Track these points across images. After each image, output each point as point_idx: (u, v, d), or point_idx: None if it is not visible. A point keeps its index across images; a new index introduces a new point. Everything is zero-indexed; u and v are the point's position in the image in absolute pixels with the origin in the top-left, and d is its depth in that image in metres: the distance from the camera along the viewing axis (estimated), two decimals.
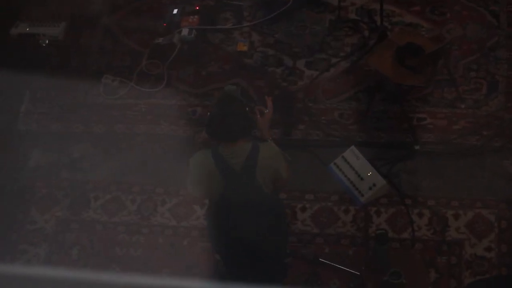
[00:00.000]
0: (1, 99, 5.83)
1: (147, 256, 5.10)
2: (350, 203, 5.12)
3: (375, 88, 5.65)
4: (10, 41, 6.13)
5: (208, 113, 4.23)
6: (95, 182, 5.46)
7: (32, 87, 5.95)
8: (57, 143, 5.67)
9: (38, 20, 6.24)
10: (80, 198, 5.40)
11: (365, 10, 6.16)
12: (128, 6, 6.47)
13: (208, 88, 5.87)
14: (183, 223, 5.22)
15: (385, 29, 5.86)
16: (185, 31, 6.03)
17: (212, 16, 6.21)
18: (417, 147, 5.35)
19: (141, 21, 6.31)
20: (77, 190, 5.43)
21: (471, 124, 5.46)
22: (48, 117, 5.83)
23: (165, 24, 6.12)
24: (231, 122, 4.10)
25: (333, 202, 5.19)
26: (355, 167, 5.03)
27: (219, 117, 4.13)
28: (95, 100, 5.90)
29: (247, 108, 4.24)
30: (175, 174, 5.37)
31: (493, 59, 5.74)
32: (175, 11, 6.18)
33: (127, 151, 5.60)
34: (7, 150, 5.63)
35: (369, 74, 5.74)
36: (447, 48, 5.73)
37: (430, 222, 5.03)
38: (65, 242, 5.24)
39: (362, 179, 4.97)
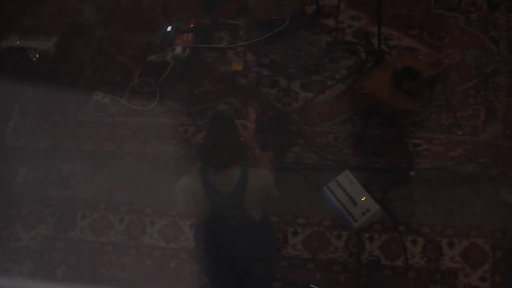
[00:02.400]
0: None
1: (134, 278, 5.15)
2: (342, 228, 5.17)
3: (371, 112, 5.73)
4: (1, 55, 6.20)
5: (202, 141, 4.31)
6: (83, 200, 5.52)
7: (21, 102, 6.02)
8: (45, 159, 5.73)
9: (29, 33, 6.30)
10: (67, 216, 5.45)
11: (363, 32, 6.23)
12: (122, 21, 6.54)
13: (201, 107, 5.94)
14: (171, 244, 5.27)
15: (382, 52, 5.92)
16: (178, 49, 6.10)
17: (207, 35, 6.28)
18: (412, 173, 5.41)
19: (135, 38, 6.39)
20: (64, 208, 5.48)
21: (468, 151, 5.51)
22: (37, 133, 5.89)
23: (158, 41, 6.18)
24: (224, 150, 4.19)
25: (325, 227, 5.24)
26: (348, 191, 5.11)
27: (213, 143, 4.21)
28: (85, 116, 5.96)
29: (239, 135, 4.31)
30: (164, 195, 5.41)
31: (492, 86, 5.81)
32: (169, 28, 6.25)
33: (117, 170, 5.65)
34: None
35: (365, 97, 5.82)
36: (445, 73, 5.78)
37: (424, 250, 5.09)
38: (50, 261, 5.28)
39: (355, 204, 5.05)
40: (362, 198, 5.06)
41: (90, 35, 6.44)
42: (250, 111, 4.62)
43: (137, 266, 5.21)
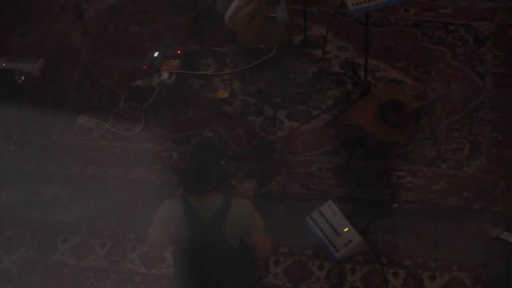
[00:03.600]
0: None
1: None
2: (324, 258, 5.23)
3: (356, 143, 5.81)
4: None
5: (182, 165, 4.39)
6: (65, 224, 5.56)
7: (5, 124, 6.07)
8: (28, 182, 5.77)
9: (16, 56, 6.34)
10: (49, 239, 5.49)
11: (349, 63, 6.34)
12: (109, 46, 6.64)
13: (185, 134, 6.02)
14: (153, 271, 5.31)
15: (368, 84, 6.04)
16: (165, 75, 6.17)
17: (193, 61, 6.37)
18: (395, 205, 5.50)
19: (121, 63, 6.47)
20: (46, 231, 5.52)
21: (451, 184, 5.60)
22: (21, 155, 5.94)
23: (145, 67, 6.26)
24: (205, 175, 4.27)
25: (307, 257, 5.31)
26: (331, 222, 5.16)
27: (194, 168, 4.31)
28: (69, 140, 6.03)
29: (222, 162, 4.40)
30: (147, 220, 5.44)
31: (477, 120, 5.91)
32: (156, 54, 6.33)
33: (100, 194, 5.70)
34: None
35: (350, 128, 5.90)
36: (431, 106, 5.83)
37: (405, 282, 5.15)
38: (30, 284, 5.30)
39: (338, 234, 5.11)
40: (345, 229, 5.11)
41: (76, 59, 6.53)
42: None
43: None
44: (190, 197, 4.32)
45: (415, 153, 5.78)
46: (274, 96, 6.20)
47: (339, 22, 6.50)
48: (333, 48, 6.44)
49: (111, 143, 6.02)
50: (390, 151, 5.78)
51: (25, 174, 5.86)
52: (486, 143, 5.81)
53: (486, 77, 6.18)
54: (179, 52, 6.39)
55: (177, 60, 6.29)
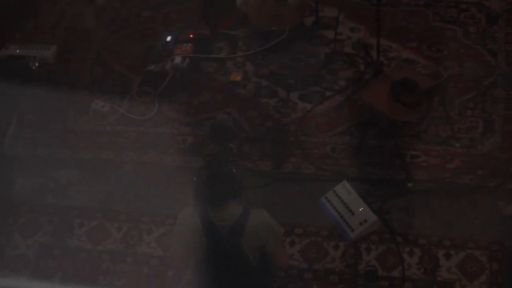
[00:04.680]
0: None
1: (131, 286, 5.16)
2: (340, 238, 5.19)
3: (369, 123, 5.77)
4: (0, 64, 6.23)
5: (194, 178, 4.30)
6: (81, 209, 5.53)
7: (20, 111, 6.07)
8: (43, 168, 5.75)
9: (29, 42, 6.35)
10: (65, 224, 5.46)
11: (362, 44, 6.30)
12: (122, 31, 6.61)
13: (199, 117, 5.98)
14: (169, 254, 5.27)
15: (381, 64, 6.00)
16: (178, 59, 6.15)
17: (206, 45, 6.34)
18: (409, 185, 5.44)
19: (134, 47, 6.45)
20: (61, 216, 5.50)
21: (466, 163, 5.54)
22: (35, 142, 5.92)
23: (158, 51, 6.22)
24: (218, 186, 4.20)
25: (322, 237, 5.26)
26: (346, 202, 5.14)
27: (206, 181, 4.21)
28: (84, 125, 6.00)
29: (234, 170, 4.31)
30: (162, 203, 5.46)
31: (490, 98, 5.86)
32: (168, 38, 6.31)
33: (114, 179, 5.67)
34: None
35: (363, 108, 5.87)
36: (443, 85, 5.85)
37: (421, 261, 5.11)
38: (47, 269, 5.29)
39: (353, 214, 5.08)
40: (360, 208, 5.09)
41: (89, 44, 6.50)
42: None
43: (134, 274, 5.21)
44: (209, 207, 4.26)
45: (429, 132, 5.73)
46: (287, 78, 6.15)
47: (350, 3, 6.44)
48: (345, 29, 6.40)
49: (125, 127, 5.99)
50: (403, 130, 5.74)
51: (39, 160, 5.82)
52: (500, 120, 5.75)
53: (498, 55, 6.12)
54: (191, 36, 6.35)
55: (190, 44, 6.26)
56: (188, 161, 5.74)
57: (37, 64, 6.18)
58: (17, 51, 6.26)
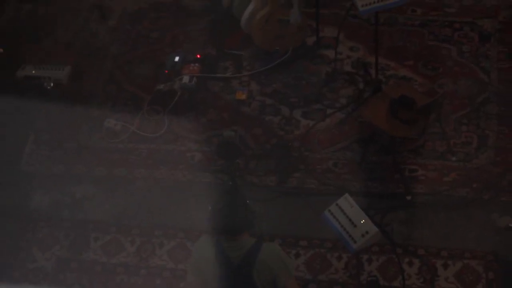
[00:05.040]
0: (5, 140, 6.02)
1: None
2: (342, 250, 5.29)
3: (369, 139, 5.86)
4: (16, 83, 6.29)
5: (209, 207, 4.34)
6: (96, 223, 5.66)
7: (36, 129, 6.16)
8: (59, 184, 5.86)
9: (44, 63, 6.41)
10: (81, 238, 5.58)
11: (361, 63, 6.37)
12: (132, 52, 6.70)
13: (207, 135, 6.07)
14: (180, 266, 5.39)
15: (379, 82, 6.07)
16: (186, 79, 6.23)
17: (212, 65, 6.42)
18: (408, 198, 5.55)
19: (144, 68, 6.55)
20: (78, 230, 5.61)
21: (461, 176, 5.64)
22: (51, 159, 6.02)
23: (166, 71, 6.31)
24: (232, 217, 4.24)
25: (326, 249, 5.37)
26: (348, 214, 5.22)
27: (220, 211, 4.25)
28: (97, 143, 6.10)
29: (247, 201, 4.36)
30: (173, 218, 5.58)
31: (483, 114, 5.94)
32: (176, 58, 6.38)
33: (127, 194, 5.79)
34: (11, 190, 5.81)
35: (363, 125, 5.96)
36: (439, 102, 5.91)
37: (420, 271, 5.22)
38: (65, 281, 5.39)
39: (355, 226, 5.17)
40: (362, 221, 5.16)
41: (101, 64, 6.58)
42: None
43: (148, 286, 5.32)
44: (222, 238, 4.28)
45: (426, 147, 5.82)
46: (290, 96, 6.23)
47: (350, 23, 6.50)
48: (344, 48, 6.47)
49: (137, 145, 6.08)
50: (402, 146, 5.82)
51: (56, 176, 5.94)
52: (493, 136, 5.83)
53: (491, 72, 6.19)
54: (198, 56, 6.43)
55: (197, 64, 6.34)
56: (197, 176, 5.84)
57: (51, 84, 6.23)
58: (33, 72, 6.31)
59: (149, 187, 5.82)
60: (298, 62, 6.41)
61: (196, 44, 6.61)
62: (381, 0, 5.54)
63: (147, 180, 5.86)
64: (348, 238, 5.16)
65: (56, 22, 6.71)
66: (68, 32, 6.75)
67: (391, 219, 5.46)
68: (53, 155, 6.06)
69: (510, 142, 5.79)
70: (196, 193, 5.67)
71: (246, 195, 4.44)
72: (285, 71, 6.36)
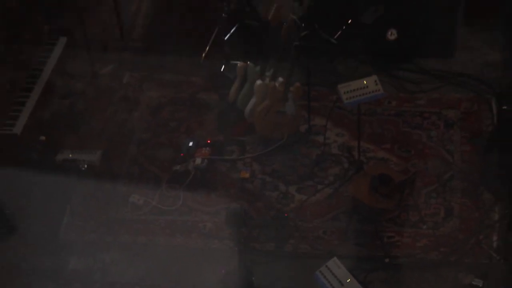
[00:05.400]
0: (47, 212, 6.12)
1: None
2: None
3: (353, 211, 6.02)
4: (56, 165, 6.39)
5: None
6: (123, 284, 5.75)
7: (73, 204, 6.30)
8: (91, 250, 5.98)
9: (79, 148, 6.52)
10: None
11: (346, 146, 6.52)
12: (153, 139, 6.86)
13: (216, 208, 6.23)
14: None
15: (361, 163, 6.23)
16: (198, 160, 6.41)
17: (220, 149, 6.59)
18: (387, 260, 5.67)
19: (163, 151, 6.71)
20: None
21: (431, 242, 5.78)
22: (85, 229, 6.16)
23: (182, 154, 6.51)
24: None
25: None
26: (337, 275, 5.30)
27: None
28: (124, 215, 6.24)
29: (253, 278, 4.50)
30: (188, 279, 5.69)
31: (449, 189, 6.11)
32: (190, 143, 6.57)
33: (149, 259, 5.91)
34: (50, 255, 5.92)
35: (348, 199, 6.12)
36: (412, 179, 6.04)
37: None
38: None
39: (342, 285, 5.27)
40: (348, 280, 5.25)
41: (127, 149, 6.72)
42: None
43: None
44: None
45: (401, 217, 5.94)
46: (286, 175, 6.32)
47: (336, 113, 6.62)
48: (332, 134, 6.56)
49: (157, 216, 6.21)
50: (381, 216, 5.96)
51: (89, 244, 6.04)
52: (457, 207, 5.96)
53: (455, 154, 6.32)
54: (209, 141, 6.60)
55: (207, 148, 6.50)
56: (208, 243, 6.01)
57: (85, 166, 6.29)
58: (70, 155, 6.37)
59: (167, 253, 5.94)
60: (293, 146, 6.54)
61: (207, 131, 6.78)
62: (362, 95, 5.77)
63: (165, 247, 5.98)
64: None
65: (91, 113, 6.88)
66: (100, 121, 6.89)
67: (373, 278, 5.55)
68: (87, 225, 6.18)
69: (472, 213, 5.96)
70: (208, 258, 5.80)
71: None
72: (282, 153, 6.50)
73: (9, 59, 6.16)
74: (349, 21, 7.14)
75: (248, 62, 6.67)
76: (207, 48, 7.27)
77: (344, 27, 7.12)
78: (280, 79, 6.43)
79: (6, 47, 6.16)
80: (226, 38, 7.08)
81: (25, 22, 6.36)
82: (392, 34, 7.10)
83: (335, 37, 7.05)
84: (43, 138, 6.13)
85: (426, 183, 6.13)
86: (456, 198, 6.02)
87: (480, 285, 5.41)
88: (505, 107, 6.00)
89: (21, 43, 6.31)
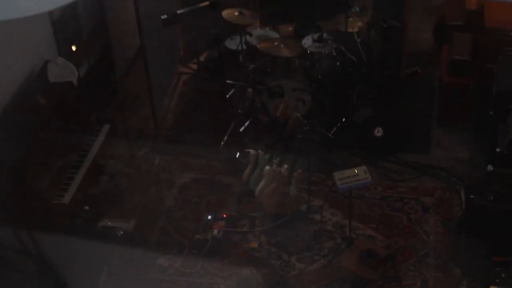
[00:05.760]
0: (87, 272, 6.41)
1: None
2: None
3: (345, 279, 6.33)
4: (98, 230, 6.67)
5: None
6: None
7: (110, 264, 6.62)
8: None
9: (118, 217, 6.89)
10: None
11: (339, 224, 6.88)
12: (178, 213, 7.23)
13: (229, 272, 6.55)
14: None
15: (352, 239, 6.59)
16: (215, 231, 6.79)
17: (234, 222, 6.96)
18: None
19: (187, 223, 7.07)
20: None
21: None
22: (119, 286, 6.48)
23: (225, 215, 6.91)
24: None
25: None
26: None
27: None
28: (151, 275, 6.57)
29: None
30: None
31: (425, 264, 6.43)
32: (209, 217, 6.97)
33: None
34: None
35: (341, 269, 6.41)
36: (394, 254, 6.37)
37: None
38: None
39: None
40: None
41: (157, 220, 7.06)
42: None
43: None
44: None
45: (384, 286, 6.26)
46: (289, 247, 6.51)
47: (332, 196, 6.88)
48: (327, 214, 6.78)
49: (180, 278, 6.50)
50: (368, 285, 6.26)
51: None
52: (432, 280, 6.16)
53: (430, 234, 6.53)
54: (224, 215, 6.98)
55: (223, 221, 6.89)
56: None
57: (121, 232, 6.62)
58: (109, 223, 6.71)
59: None
60: (295, 222, 6.89)
61: (224, 207, 7.11)
62: (353, 181, 6.20)
63: None
64: None
65: (127, 188, 7.20)
66: (135, 195, 7.13)
67: None
68: (121, 284, 6.48)
69: (444, 285, 6.26)
70: None
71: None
72: (286, 228, 6.83)
73: (63, 142, 6.56)
74: (344, 119, 7.71)
75: (259, 151, 7.10)
76: (225, 138, 7.74)
77: (339, 124, 7.68)
78: (285, 165, 6.84)
79: (61, 133, 6.59)
80: (241, 130, 7.62)
81: (76, 113, 6.79)
82: (378, 132, 7.60)
83: (332, 132, 7.60)
84: (87, 207, 6.46)
85: (406, 258, 6.33)
86: (430, 272, 6.20)
87: None
88: (472, 197, 6.32)
89: (72, 129, 6.72)
